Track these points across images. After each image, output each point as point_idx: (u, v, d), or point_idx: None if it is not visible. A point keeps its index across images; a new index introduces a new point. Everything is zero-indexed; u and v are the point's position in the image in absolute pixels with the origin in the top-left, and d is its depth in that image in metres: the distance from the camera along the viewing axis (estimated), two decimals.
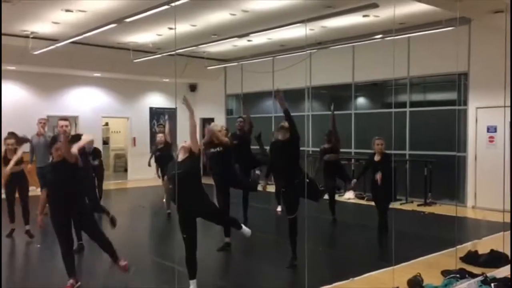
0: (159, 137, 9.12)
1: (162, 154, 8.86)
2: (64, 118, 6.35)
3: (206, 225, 5.60)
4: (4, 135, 7.43)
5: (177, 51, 11.70)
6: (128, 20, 8.20)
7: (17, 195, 7.26)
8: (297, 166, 5.66)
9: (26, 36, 10.65)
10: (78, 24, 9.45)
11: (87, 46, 11.50)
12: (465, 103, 9.83)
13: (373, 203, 7.29)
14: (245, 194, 7.98)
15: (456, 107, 9.89)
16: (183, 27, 9.79)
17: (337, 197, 10.90)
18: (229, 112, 15.55)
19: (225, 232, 6.42)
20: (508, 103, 7.10)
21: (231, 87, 15.23)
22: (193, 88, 16.34)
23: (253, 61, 13.10)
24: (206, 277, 5.07)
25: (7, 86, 12.61)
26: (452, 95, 10.31)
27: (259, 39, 11.17)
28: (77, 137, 5.79)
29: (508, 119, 8.00)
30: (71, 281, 4.74)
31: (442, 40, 9.47)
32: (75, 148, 5.01)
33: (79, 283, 4.81)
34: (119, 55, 12.25)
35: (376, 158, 6.74)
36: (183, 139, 14.53)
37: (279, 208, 9.05)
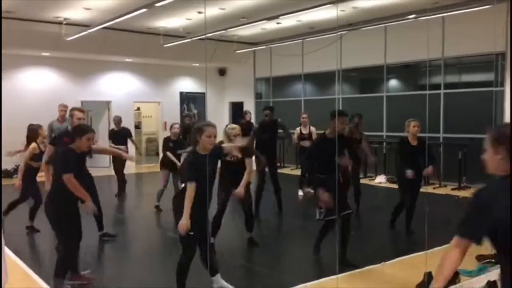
0: (176, 128, 8.32)
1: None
2: (80, 110, 5.91)
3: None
4: (33, 121, 6.85)
5: (206, 35, 11.71)
6: (158, 4, 8.23)
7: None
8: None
9: (59, 23, 10.86)
10: (109, 10, 9.56)
11: (118, 32, 11.65)
12: (503, 84, 9.50)
13: None
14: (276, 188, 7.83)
15: (493, 89, 9.58)
16: (212, 11, 9.77)
17: (367, 181, 10.86)
18: (258, 95, 15.52)
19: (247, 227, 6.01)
20: None
21: (260, 70, 15.17)
22: (222, 72, 16.36)
23: (282, 44, 12.99)
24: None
25: (42, 72, 12.93)
26: (488, 76, 9.98)
27: (288, 21, 11.05)
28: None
29: None
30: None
31: (479, 19, 9.14)
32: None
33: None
34: (150, 40, 12.35)
35: (413, 142, 6.20)
36: (213, 122, 14.48)
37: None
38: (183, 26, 11.56)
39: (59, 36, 11.01)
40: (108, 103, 14.02)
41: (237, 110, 15.41)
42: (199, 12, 10.07)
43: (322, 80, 13.26)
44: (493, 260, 4.83)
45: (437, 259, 4.74)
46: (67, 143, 4.54)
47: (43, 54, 12.47)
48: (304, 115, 9.24)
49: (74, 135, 4.38)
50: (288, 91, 14.55)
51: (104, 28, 10.39)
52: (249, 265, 5.35)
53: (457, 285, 4.29)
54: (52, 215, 4.23)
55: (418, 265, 4.75)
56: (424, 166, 6.12)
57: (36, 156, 6.15)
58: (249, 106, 15.40)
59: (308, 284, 4.46)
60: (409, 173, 6.04)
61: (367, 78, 12.82)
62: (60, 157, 4.36)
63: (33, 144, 6.19)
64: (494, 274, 4.51)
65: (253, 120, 11.00)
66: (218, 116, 15.85)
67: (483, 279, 4.31)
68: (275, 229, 7.16)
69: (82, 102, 13.03)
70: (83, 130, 4.40)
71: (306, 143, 8.72)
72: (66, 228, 4.23)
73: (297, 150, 10.17)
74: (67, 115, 7.40)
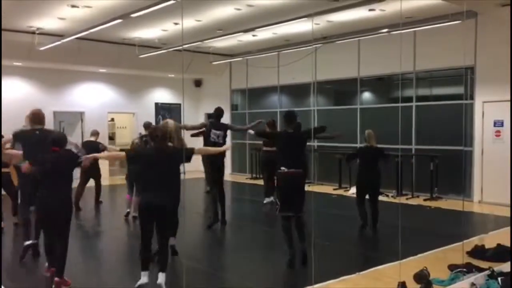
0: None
1: None
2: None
3: None
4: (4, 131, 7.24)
5: (183, 47, 11.71)
6: (133, 15, 8.21)
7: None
8: None
9: (32, 32, 10.69)
10: (83, 20, 9.47)
11: (93, 42, 11.54)
12: (472, 97, 9.78)
13: (381, 198, 7.40)
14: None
15: (463, 101, 9.86)
16: (189, 22, 9.79)
17: (342, 192, 10.99)
18: (234, 107, 15.55)
19: None
20: None
21: (236, 82, 15.23)
22: (198, 83, 16.36)
23: (258, 56, 13.10)
24: None
25: (13, 82, 12.66)
26: (458, 89, 10.26)
27: (264, 34, 11.15)
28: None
29: None
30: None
31: (449, 34, 9.41)
32: None
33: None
34: (125, 50, 12.27)
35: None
36: (188, 133, 14.72)
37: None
38: (159, 37, 11.53)
39: (32, 46, 10.84)
40: (81, 114, 13.83)
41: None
42: (175, 24, 10.07)
43: (297, 92, 13.39)
44: (465, 270, 4.94)
45: (410, 269, 4.86)
46: None
47: (15, 63, 12.24)
48: (271, 120, 9.45)
49: None
50: (264, 103, 14.63)
51: (78, 38, 10.28)
52: (221, 274, 5.31)
53: None
54: None
55: (392, 274, 4.82)
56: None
57: None
58: (225, 117, 15.37)
59: None
60: None
61: (341, 91, 13.01)
62: None
63: None
64: (465, 283, 4.61)
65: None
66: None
67: None
68: (241, 238, 7.15)
69: (54, 113, 12.83)
70: None
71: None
72: None
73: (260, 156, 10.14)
74: None
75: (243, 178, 13.96)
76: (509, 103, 8.31)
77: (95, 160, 7.04)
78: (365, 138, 7.50)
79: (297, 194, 5.50)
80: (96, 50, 12.14)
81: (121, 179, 13.12)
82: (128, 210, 8.31)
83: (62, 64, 12.68)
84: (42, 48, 10.87)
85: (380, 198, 10.06)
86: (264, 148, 9.38)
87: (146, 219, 4.64)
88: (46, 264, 5.05)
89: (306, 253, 5.40)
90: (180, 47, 11.22)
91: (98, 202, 9.79)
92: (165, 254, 4.69)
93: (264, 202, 9.22)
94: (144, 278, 4.55)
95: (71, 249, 4.99)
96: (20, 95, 12.65)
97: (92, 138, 9.61)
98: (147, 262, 4.64)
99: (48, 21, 9.95)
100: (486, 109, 9.52)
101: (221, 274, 5.41)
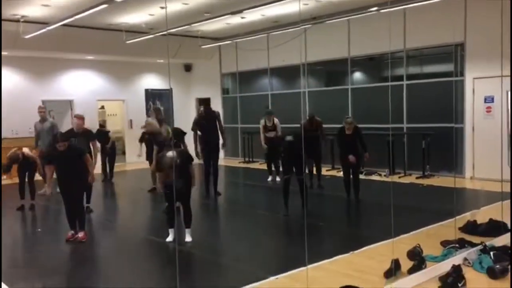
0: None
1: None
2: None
3: None
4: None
5: (170, 31, 11.56)
6: (118, 0, 8.07)
7: None
8: None
9: (17, 20, 10.52)
10: (68, 6, 9.32)
11: (78, 28, 11.38)
12: (462, 74, 9.77)
13: (371, 177, 7.42)
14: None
15: (453, 78, 9.85)
16: (175, 6, 9.65)
17: (335, 173, 11.01)
18: (225, 91, 15.46)
19: None
20: (505, 73, 7.04)
21: (226, 66, 15.11)
22: (188, 68, 16.22)
23: (247, 39, 12.96)
24: None
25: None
26: (449, 67, 10.25)
27: (252, 16, 11.03)
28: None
29: (506, 89, 8.00)
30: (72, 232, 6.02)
31: (438, 11, 9.36)
32: None
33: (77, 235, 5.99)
34: (112, 36, 12.11)
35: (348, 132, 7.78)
36: (180, 119, 14.67)
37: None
38: (146, 22, 11.37)
39: (17, 34, 10.66)
40: (70, 102, 13.68)
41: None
42: (162, 8, 9.93)
43: (288, 74, 13.31)
44: (457, 245, 4.98)
45: (403, 246, 4.89)
46: None
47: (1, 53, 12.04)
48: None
49: None
50: (254, 86, 14.55)
51: (63, 25, 10.10)
52: (217, 258, 5.33)
53: (424, 270, 4.40)
54: None
55: (385, 252, 4.84)
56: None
57: None
58: (216, 102, 15.34)
59: (279, 276, 4.48)
60: (351, 158, 7.66)
61: (332, 71, 12.96)
62: None
63: None
64: (458, 258, 4.65)
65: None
66: (185, 112, 15.72)
67: (448, 263, 4.43)
68: (241, 220, 7.17)
69: (43, 102, 12.67)
70: None
71: (272, 134, 9.70)
72: None
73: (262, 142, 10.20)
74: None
75: (236, 162, 13.94)
76: (499, 79, 8.29)
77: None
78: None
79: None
80: (82, 37, 11.96)
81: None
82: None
83: (49, 52, 12.49)
84: (27, 36, 10.70)
85: (373, 177, 10.19)
86: (267, 135, 9.86)
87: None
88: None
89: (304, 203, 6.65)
90: (165, 32, 11.05)
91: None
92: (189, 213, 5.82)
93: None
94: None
95: None
96: (8, 85, 12.47)
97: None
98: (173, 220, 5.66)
99: (32, 9, 9.78)
100: (476, 86, 9.52)
101: (214, 257, 5.42)
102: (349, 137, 7.78)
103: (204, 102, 9.90)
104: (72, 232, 6.05)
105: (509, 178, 7.07)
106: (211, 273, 4.91)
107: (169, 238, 5.77)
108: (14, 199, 8.08)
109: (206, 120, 8.65)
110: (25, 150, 7.92)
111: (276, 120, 9.89)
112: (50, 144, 6.54)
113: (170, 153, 5.64)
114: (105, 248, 6.10)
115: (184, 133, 8.23)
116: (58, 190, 6.17)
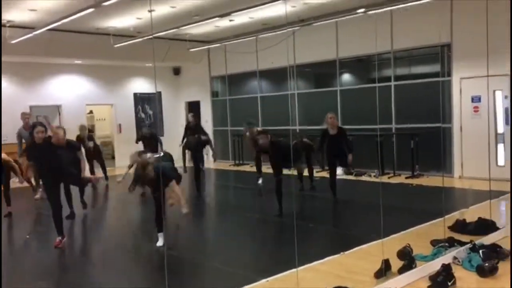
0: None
1: None
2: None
3: None
4: None
5: (158, 34, 11.51)
6: (105, 3, 8.02)
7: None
8: None
9: (3, 25, 10.40)
10: (55, 10, 9.25)
11: (65, 33, 11.26)
12: (449, 74, 9.85)
13: (361, 178, 7.40)
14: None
15: (440, 79, 9.93)
16: (163, 9, 9.63)
17: (326, 174, 11.01)
18: (214, 94, 15.44)
19: None
20: (491, 72, 7.11)
21: (215, 69, 15.10)
22: (177, 71, 16.18)
23: (236, 42, 12.96)
24: None
25: None
26: (436, 67, 10.33)
27: (241, 18, 11.03)
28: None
29: (493, 88, 8.08)
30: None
31: (425, 12, 9.43)
32: None
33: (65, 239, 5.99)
34: (99, 40, 12.03)
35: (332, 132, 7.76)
36: (169, 123, 14.72)
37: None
38: (134, 26, 11.32)
39: (3, 40, 10.54)
40: (58, 107, 13.58)
41: (194, 110, 15.27)
42: (149, 11, 9.89)
43: (277, 76, 13.33)
44: (447, 244, 5.00)
45: (393, 246, 4.91)
46: None
47: None
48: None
49: None
50: (244, 89, 14.55)
51: (50, 29, 10.01)
52: (207, 261, 5.31)
53: (414, 270, 4.41)
54: None
55: (375, 253, 4.86)
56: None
57: None
58: (206, 105, 15.33)
59: (269, 278, 4.47)
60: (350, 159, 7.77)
61: (321, 73, 13.00)
62: None
63: None
64: (448, 257, 4.68)
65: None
66: (175, 115, 15.69)
67: (438, 262, 4.46)
68: (231, 223, 7.15)
69: (31, 107, 12.57)
70: None
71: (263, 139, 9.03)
72: None
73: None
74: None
75: (227, 165, 13.92)
76: (485, 79, 8.37)
77: None
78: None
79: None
80: (69, 41, 11.88)
81: None
82: None
83: (36, 57, 12.41)
84: (13, 41, 10.60)
85: (363, 178, 10.22)
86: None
87: None
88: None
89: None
90: (152, 36, 11.00)
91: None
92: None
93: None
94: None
95: None
96: None
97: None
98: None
99: (18, 13, 9.69)
100: (463, 85, 9.61)
101: (204, 260, 5.40)
102: (334, 138, 7.79)
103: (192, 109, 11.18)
104: (60, 238, 5.96)
105: (497, 176, 7.15)
106: (201, 276, 4.89)
107: (159, 243, 5.74)
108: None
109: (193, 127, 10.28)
110: (3, 155, 7.72)
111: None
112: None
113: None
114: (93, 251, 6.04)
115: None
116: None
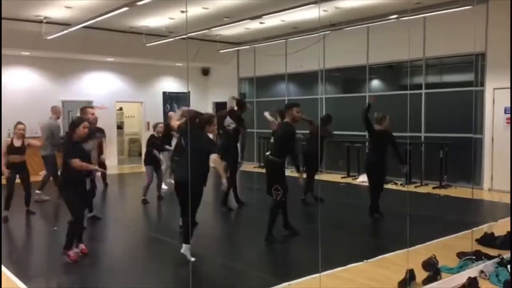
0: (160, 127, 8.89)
1: None
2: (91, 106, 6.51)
3: None
4: (14, 121, 7.50)
5: (190, 35, 11.65)
6: (139, 3, 8.15)
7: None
8: None
9: (40, 21, 10.69)
10: (90, 8, 9.45)
11: (99, 31, 11.51)
12: (482, 84, 9.65)
13: (387, 186, 7.30)
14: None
15: (473, 88, 9.72)
16: (195, 10, 9.73)
17: (350, 181, 10.94)
18: (242, 95, 15.49)
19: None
20: None
21: (243, 70, 15.16)
22: (205, 72, 16.31)
23: (265, 44, 13.00)
24: None
25: (22, 71, 12.72)
26: (469, 76, 10.12)
27: (271, 21, 11.05)
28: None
29: None
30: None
31: (459, 20, 9.27)
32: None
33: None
34: (132, 39, 12.24)
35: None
36: None
37: None
38: (166, 26, 11.48)
39: (40, 35, 10.84)
40: (89, 103, 13.81)
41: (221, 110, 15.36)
42: (182, 11, 10.01)
43: (305, 80, 13.30)
44: (473, 257, 4.90)
45: (418, 256, 4.83)
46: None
47: (23, 53, 12.28)
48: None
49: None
50: (271, 91, 14.56)
51: (85, 27, 10.25)
52: (229, 263, 5.33)
53: (439, 281, 4.34)
54: None
55: (400, 262, 4.79)
56: None
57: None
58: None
59: (292, 282, 4.46)
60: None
61: (350, 78, 12.90)
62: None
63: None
64: (474, 271, 4.58)
65: None
66: None
67: (464, 275, 4.37)
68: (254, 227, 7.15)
69: (63, 102, 12.86)
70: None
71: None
72: None
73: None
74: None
75: (251, 167, 13.94)
76: None
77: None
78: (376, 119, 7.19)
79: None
80: (103, 39, 12.12)
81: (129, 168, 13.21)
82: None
83: (70, 53, 12.70)
84: (49, 37, 10.87)
85: (389, 186, 10.09)
86: None
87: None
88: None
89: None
90: (185, 36, 11.14)
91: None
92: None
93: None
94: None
95: None
96: (29, 84, 12.73)
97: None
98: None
99: (55, 10, 9.94)
100: (496, 96, 9.39)
101: (228, 262, 5.42)
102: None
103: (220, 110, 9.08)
104: (76, 250, 5.29)
105: None
106: (224, 278, 4.90)
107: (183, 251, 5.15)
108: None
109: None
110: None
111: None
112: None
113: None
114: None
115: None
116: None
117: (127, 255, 5.77)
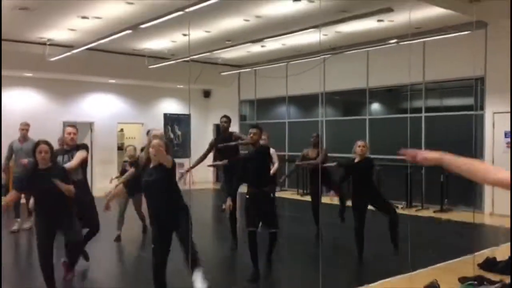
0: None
1: None
2: (72, 125, 5.73)
3: None
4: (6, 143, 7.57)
5: (192, 58, 11.77)
6: (143, 26, 8.29)
7: None
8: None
9: (43, 43, 10.82)
10: (93, 31, 9.57)
11: (102, 53, 11.65)
12: (482, 108, 9.70)
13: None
14: None
15: (473, 112, 9.77)
16: (197, 34, 9.85)
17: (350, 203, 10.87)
18: (242, 117, 15.57)
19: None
20: None
21: (244, 93, 15.26)
22: (207, 94, 16.42)
23: (266, 67, 13.12)
24: None
25: (25, 92, 12.79)
26: (468, 100, 10.18)
27: (272, 44, 11.19)
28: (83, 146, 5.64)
29: None
30: None
31: (458, 45, 9.38)
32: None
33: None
34: (134, 61, 12.37)
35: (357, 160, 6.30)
36: (197, 144, 14.69)
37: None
38: (168, 48, 11.61)
39: (43, 57, 10.96)
40: (91, 124, 13.90)
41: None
42: (184, 35, 10.14)
43: (306, 102, 13.38)
44: (475, 282, 4.85)
45: (420, 281, 4.78)
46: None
47: (26, 74, 12.38)
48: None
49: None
50: (272, 113, 14.63)
51: (88, 49, 10.39)
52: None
53: None
54: None
55: (402, 286, 4.74)
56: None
57: None
58: (234, 128, 15.39)
59: None
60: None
61: (350, 101, 12.98)
62: None
63: None
64: None
65: None
66: (203, 137, 15.82)
67: None
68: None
69: (64, 123, 12.88)
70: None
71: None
72: None
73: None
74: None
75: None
76: None
77: None
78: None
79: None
80: (105, 61, 12.25)
81: None
82: None
83: (72, 75, 12.80)
84: (52, 59, 10.99)
85: None
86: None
87: None
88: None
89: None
90: (188, 58, 11.26)
91: None
92: None
93: None
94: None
95: None
96: (31, 105, 12.78)
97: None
98: None
99: (58, 32, 10.07)
100: (496, 120, 9.43)
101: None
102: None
103: None
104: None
105: None
106: None
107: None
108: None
109: None
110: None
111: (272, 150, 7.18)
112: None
113: None
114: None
115: None
116: None
117: None
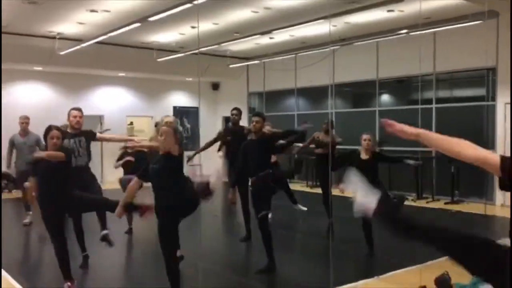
0: None
1: None
2: (77, 108, 5.72)
3: None
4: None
5: (200, 50, 11.76)
6: (151, 19, 8.28)
7: None
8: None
9: (53, 37, 10.86)
10: (102, 24, 9.59)
11: (111, 46, 11.66)
12: (494, 99, 9.59)
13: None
14: None
15: (485, 103, 9.67)
16: (206, 26, 9.82)
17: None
18: (251, 110, 15.53)
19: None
20: None
21: (253, 85, 15.22)
22: (215, 86, 16.40)
23: (275, 59, 13.07)
24: None
25: (34, 86, 12.88)
26: (480, 91, 10.08)
27: (281, 36, 11.12)
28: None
29: None
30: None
31: (470, 35, 9.25)
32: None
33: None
34: (143, 54, 12.38)
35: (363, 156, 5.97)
36: (206, 137, 14.71)
37: None
38: (177, 41, 11.60)
39: (52, 51, 11.00)
40: (100, 117, 13.97)
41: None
42: (193, 27, 10.12)
43: (315, 94, 13.32)
44: None
45: (430, 273, 4.76)
46: None
47: (35, 68, 12.45)
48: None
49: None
50: (281, 106, 14.59)
51: (97, 42, 10.40)
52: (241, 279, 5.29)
53: None
54: None
55: (412, 279, 4.72)
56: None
57: None
58: (242, 121, 15.37)
59: None
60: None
61: (359, 93, 12.90)
62: None
63: None
64: (488, 287, 4.49)
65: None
66: (211, 130, 15.83)
67: None
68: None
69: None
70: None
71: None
72: None
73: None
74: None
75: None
76: None
77: None
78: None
79: None
80: (114, 54, 12.27)
81: None
82: None
83: (82, 68, 12.86)
84: (62, 53, 11.03)
85: None
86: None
87: None
88: None
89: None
90: (197, 51, 11.26)
91: None
92: None
93: None
94: None
95: None
96: (41, 99, 12.87)
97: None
98: None
99: (68, 26, 10.10)
100: (508, 111, 9.31)
101: (234, 276, 5.38)
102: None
103: None
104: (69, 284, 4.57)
105: None
106: None
107: None
108: None
109: None
110: None
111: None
112: None
113: None
114: None
115: None
116: None
117: None
